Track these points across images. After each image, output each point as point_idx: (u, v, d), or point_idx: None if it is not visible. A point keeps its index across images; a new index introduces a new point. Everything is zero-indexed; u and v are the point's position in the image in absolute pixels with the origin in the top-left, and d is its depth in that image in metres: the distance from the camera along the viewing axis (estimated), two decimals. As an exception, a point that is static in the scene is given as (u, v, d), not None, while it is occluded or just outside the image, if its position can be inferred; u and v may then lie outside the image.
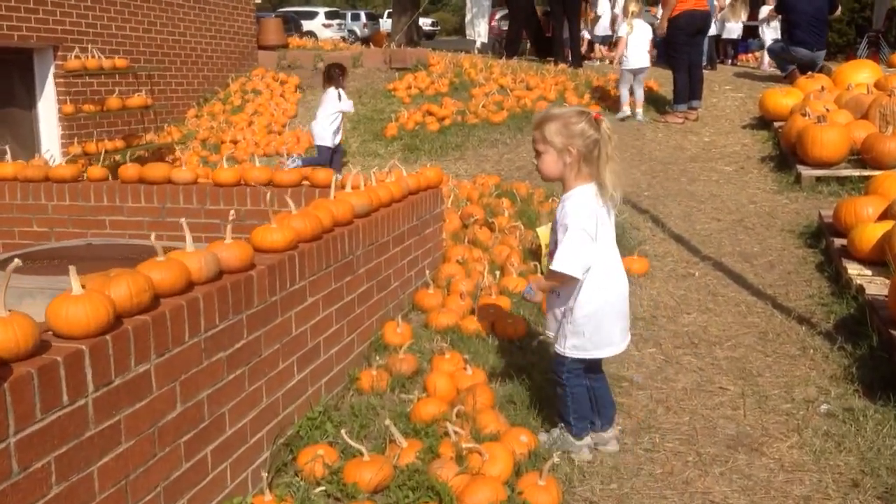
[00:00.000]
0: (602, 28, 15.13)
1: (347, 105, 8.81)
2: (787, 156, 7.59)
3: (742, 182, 7.41)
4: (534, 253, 5.32)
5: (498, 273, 4.95)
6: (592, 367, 3.16)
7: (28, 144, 9.05)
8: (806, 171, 6.93)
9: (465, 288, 4.62)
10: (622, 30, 9.83)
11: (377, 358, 3.87)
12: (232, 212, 2.92)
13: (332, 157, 8.66)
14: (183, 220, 2.65)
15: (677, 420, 3.45)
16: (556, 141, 2.84)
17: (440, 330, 4.23)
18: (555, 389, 3.20)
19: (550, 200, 6.59)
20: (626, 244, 5.71)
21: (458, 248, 5.26)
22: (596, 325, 2.99)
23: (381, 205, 4.22)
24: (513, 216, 6.18)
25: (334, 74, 8.77)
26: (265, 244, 3.11)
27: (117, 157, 9.41)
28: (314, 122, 8.81)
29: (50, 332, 2.08)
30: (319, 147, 8.74)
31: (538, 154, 2.94)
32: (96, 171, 5.39)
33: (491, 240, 5.66)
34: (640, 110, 9.98)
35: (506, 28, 16.84)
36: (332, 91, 8.67)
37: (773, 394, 3.66)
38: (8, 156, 5.77)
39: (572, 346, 3.03)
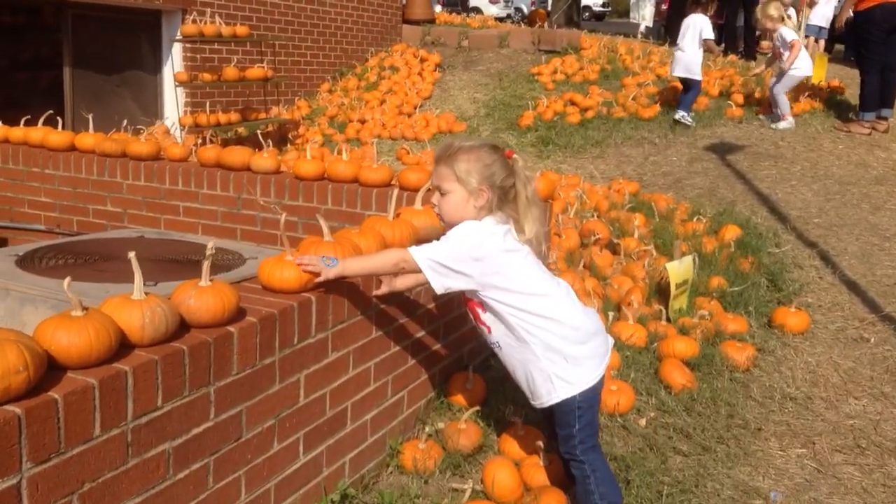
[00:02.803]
0: (824, 18, 12.38)
1: (710, 32, 8.62)
2: None
3: (940, 216, 6.01)
4: (661, 292, 4.32)
5: (612, 314, 3.98)
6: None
7: (151, 110, 8.81)
8: None
9: (567, 331, 3.71)
10: (788, 33, 8.41)
11: (434, 422, 3.05)
12: (208, 249, 2.16)
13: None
14: (132, 253, 1.92)
15: (826, 579, 2.44)
16: (468, 180, 2.34)
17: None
18: (571, 480, 2.51)
19: (695, 219, 5.53)
20: (782, 287, 4.60)
21: (569, 275, 4.32)
22: (566, 354, 2.37)
23: (462, 225, 3.37)
24: (645, 237, 5.17)
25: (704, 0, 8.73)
26: (273, 282, 2.36)
27: (240, 130, 9.04)
28: (682, 54, 8.55)
29: None
30: (690, 80, 8.56)
31: (441, 193, 2.41)
32: (176, 149, 4.86)
33: (612, 267, 4.70)
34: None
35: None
36: (699, 17, 8.55)
37: (974, 550, 2.57)
38: (91, 125, 5.36)
39: (566, 383, 2.36)
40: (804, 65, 8.42)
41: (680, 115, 8.63)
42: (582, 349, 2.36)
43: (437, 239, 3.04)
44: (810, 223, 5.79)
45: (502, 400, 3.19)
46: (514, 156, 2.42)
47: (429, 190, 2.81)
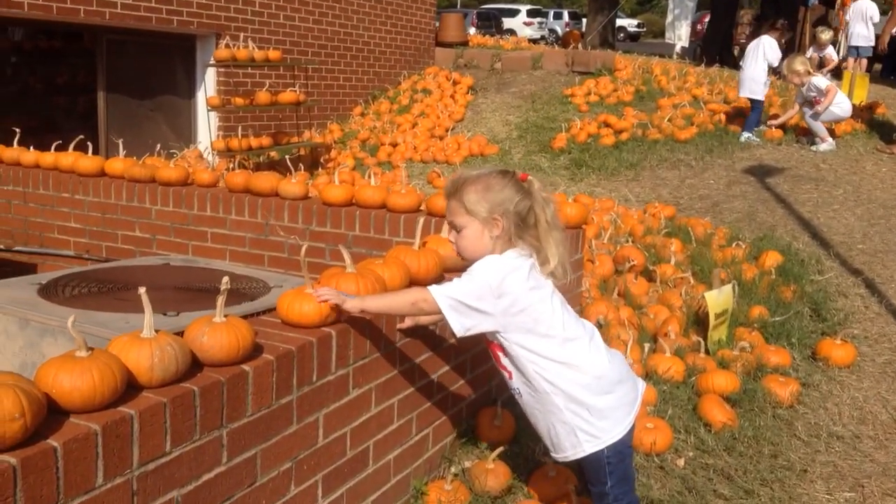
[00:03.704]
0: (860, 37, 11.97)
1: (773, 54, 8.62)
2: None
3: None
4: (700, 321, 4.16)
5: (648, 346, 3.83)
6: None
7: (185, 135, 8.86)
8: None
9: (600, 364, 3.57)
10: (821, 81, 8.20)
11: (461, 461, 2.93)
12: (222, 284, 2.06)
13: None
14: (142, 289, 1.84)
15: None
16: (479, 210, 2.20)
17: (555, 423, 3.22)
18: None
19: (734, 245, 5.35)
20: (826, 317, 4.41)
21: (602, 303, 4.19)
22: (590, 405, 2.23)
23: (492, 254, 3.26)
24: (682, 264, 5.01)
25: (777, 23, 8.89)
26: (292, 316, 2.27)
27: (272, 154, 9.05)
28: (745, 74, 8.67)
29: None
30: (754, 101, 8.64)
31: (457, 230, 2.27)
32: (205, 174, 4.83)
33: (647, 295, 4.55)
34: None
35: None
36: (766, 38, 8.66)
37: None
38: (122, 150, 5.35)
39: (592, 437, 2.22)
40: (844, 106, 8.25)
41: (745, 136, 8.57)
42: (607, 399, 2.22)
43: (464, 269, 2.94)
44: (854, 249, 5.59)
45: (532, 437, 3.04)
46: (529, 178, 2.28)
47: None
